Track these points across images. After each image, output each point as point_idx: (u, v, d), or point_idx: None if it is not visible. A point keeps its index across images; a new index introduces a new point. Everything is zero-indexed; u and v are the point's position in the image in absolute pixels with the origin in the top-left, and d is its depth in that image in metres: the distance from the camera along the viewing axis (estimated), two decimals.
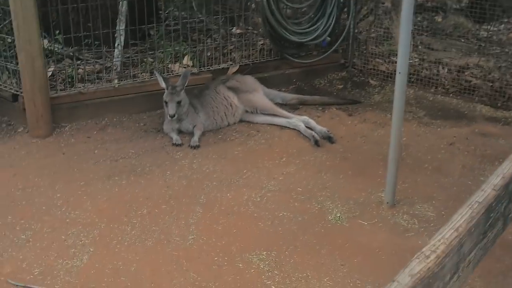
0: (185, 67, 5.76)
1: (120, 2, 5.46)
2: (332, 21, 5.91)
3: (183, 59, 5.86)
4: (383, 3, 6.71)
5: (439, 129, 5.14)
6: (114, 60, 5.43)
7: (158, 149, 4.78)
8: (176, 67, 5.73)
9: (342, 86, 6.31)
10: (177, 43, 5.87)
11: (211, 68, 5.82)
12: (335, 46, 6.16)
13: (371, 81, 6.34)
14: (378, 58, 6.44)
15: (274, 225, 3.65)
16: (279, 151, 4.75)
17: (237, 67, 5.94)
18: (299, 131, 5.07)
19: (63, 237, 3.50)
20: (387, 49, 6.47)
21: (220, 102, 5.32)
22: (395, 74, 6.13)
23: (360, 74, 6.51)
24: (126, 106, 5.43)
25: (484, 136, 5.00)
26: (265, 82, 5.96)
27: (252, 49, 6.18)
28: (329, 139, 4.90)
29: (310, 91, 6.15)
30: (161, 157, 4.63)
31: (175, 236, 3.51)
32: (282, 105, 5.71)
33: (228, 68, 5.94)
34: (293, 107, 5.66)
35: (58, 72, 5.40)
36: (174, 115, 4.84)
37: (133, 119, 5.42)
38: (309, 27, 5.89)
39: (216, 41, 6.19)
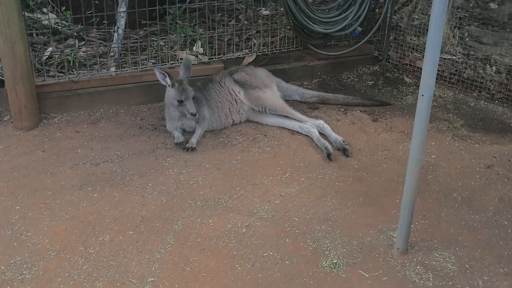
0: (195, 55, 5.13)
1: None
2: (365, 9, 5.12)
3: (194, 45, 5.22)
4: None
5: (477, 145, 4.35)
6: (112, 45, 4.85)
7: (147, 153, 4.22)
8: (184, 55, 5.10)
9: (372, 82, 5.54)
10: (190, 26, 5.22)
11: (223, 58, 5.15)
12: (367, 37, 5.37)
13: (406, 79, 5.55)
14: (416, 51, 5.60)
15: (254, 269, 3.04)
16: (283, 163, 4.10)
17: (254, 56, 5.27)
18: (312, 138, 4.38)
19: (2, 267, 2.99)
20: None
21: (224, 96, 4.70)
22: None
23: (395, 70, 5.71)
24: (125, 96, 4.89)
25: None
26: (284, 74, 5.30)
27: (273, 37, 5.47)
28: (344, 151, 4.22)
29: (335, 87, 5.43)
30: (148, 164, 4.07)
31: (132, 277, 2.95)
32: (301, 103, 5.03)
33: (243, 58, 5.26)
34: (312, 106, 4.96)
35: (58, 55, 4.86)
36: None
37: (131, 112, 4.87)
38: (337, 16, 5.12)
39: (239, 23, 5.51)
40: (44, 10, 5.91)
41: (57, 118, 4.71)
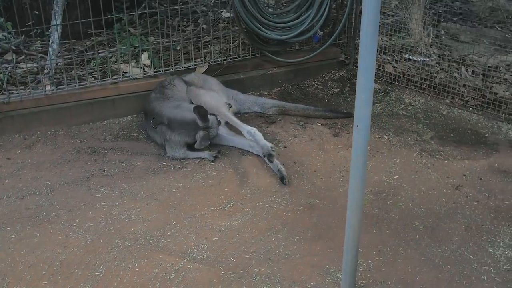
0: (144, 68, 4.71)
1: None
2: (324, 11, 4.67)
3: (141, 57, 4.79)
4: None
5: (446, 161, 3.93)
6: (47, 62, 4.42)
7: (81, 182, 3.81)
8: (129, 68, 4.67)
9: (338, 90, 5.12)
10: (136, 35, 4.79)
11: (171, 69, 4.73)
12: (330, 41, 4.93)
13: (375, 85, 5.10)
14: (385, 54, 5.17)
15: None
16: (228, 190, 3.69)
17: (206, 67, 4.83)
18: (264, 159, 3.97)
19: None
20: (399, 44, 5.18)
21: (179, 96, 4.31)
22: (403, 76, 4.97)
23: None
24: (63, 116, 4.48)
25: (505, 175, 3.78)
26: (241, 84, 4.89)
27: (233, 42, 5.05)
28: (269, 157, 3.85)
29: (297, 96, 5.01)
30: (79, 195, 3.66)
31: None
32: (258, 116, 4.62)
33: (194, 69, 4.84)
34: (269, 120, 4.54)
35: None
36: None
37: (70, 133, 4.46)
38: (293, 20, 4.67)
39: (196, 28, 5.10)
40: None
41: None
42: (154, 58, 4.75)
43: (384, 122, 4.50)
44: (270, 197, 3.61)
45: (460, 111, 4.63)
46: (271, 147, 3.83)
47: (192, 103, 4.25)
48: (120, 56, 4.73)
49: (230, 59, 4.89)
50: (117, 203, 3.58)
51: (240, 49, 4.95)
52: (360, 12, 5.11)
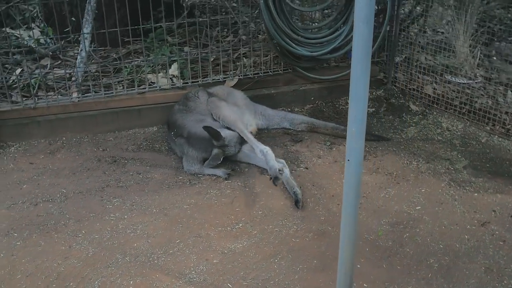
0: (171, 78, 4.67)
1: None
2: None
3: (171, 67, 4.76)
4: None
5: (476, 194, 3.65)
6: (75, 69, 4.45)
7: (95, 192, 3.79)
8: (156, 78, 4.64)
9: (373, 109, 4.89)
10: (166, 46, 4.76)
11: (199, 82, 4.66)
12: None
13: (412, 106, 4.86)
14: (427, 74, 4.90)
15: None
16: (240, 211, 3.56)
17: (236, 80, 4.73)
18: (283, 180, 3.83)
19: None
20: (441, 64, 4.90)
21: (202, 109, 4.24)
22: (443, 99, 4.69)
23: (401, 95, 5.03)
24: (89, 124, 4.51)
25: None
26: (271, 99, 4.77)
27: (266, 56, 4.93)
28: (275, 180, 3.69)
29: (329, 115, 4.83)
30: (90, 205, 3.64)
31: None
32: (285, 134, 4.48)
33: (223, 82, 4.75)
34: (295, 139, 4.39)
35: (23, 78, 4.53)
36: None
37: (95, 141, 4.48)
38: (326, 36, 4.50)
39: (234, 39, 5.03)
40: (33, 25, 5.65)
41: (15, 147, 4.38)
42: (184, 69, 4.69)
43: (416, 147, 4.24)
44: (281, 220, 3.46)
45: (500, 139, 4.31)
46: (279, 170, 3.67)
47: (213, 116, 4.17)
48: (149, 66, 4.71)
49: (261, 73, 4.76)
50: (125, 216, 3.53)
51: (272, 63, 4.82)
52: (401, 30, 4.91)
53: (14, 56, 4.91)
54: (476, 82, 4.84)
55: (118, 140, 4.50)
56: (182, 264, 3.09)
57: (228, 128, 4.03)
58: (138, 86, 4.56)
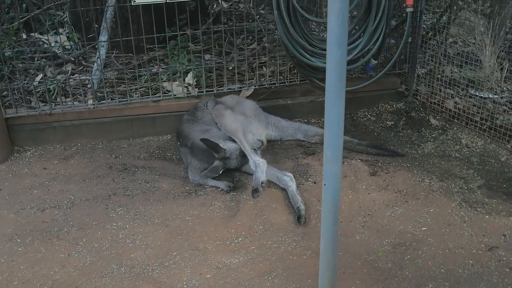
0: (186, 87, 4.68)
1: (106, 7, 4.48)
2: (378, 39, 4.36)
3: (187, 76, 4.77)
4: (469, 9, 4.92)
5: (487, 216, 3.49)
6: (91, 76, 4.51)
7: (101, 199, 3.83)
8: (171, 87, 4.66)
9: (392, 123, 4.77)
10: (184, 55, 4.77)
11: (214, 91, 4.65)
12: (383, 72, 4.60)
13: (432, 120, 4.71)
14: (449, 88, 4.74)
15: None
16: (241, 224, 3.52)
17: (251, 90, 4.70)
18: (287, 192, 3.77)
19: None
20: (465, 77, 4.73)
21: (209, 120, 4.24)
22: (464, 114, 4.52)
23: (421, 109, 4.88)
24: (104, 131, 4.56)
25: None
26: (288, 111, 4.71)
27: (281, 66, 4.88)
28: (254, 192, 3.74)
29: (345, 127, 4.72)
30: (95, 213, 3.68)
31: None
32: (298, 146, 4.42)
33: (238, 92, 4.72)
34: (307, 151, 4.32)
35: (43, 83, 4.62)
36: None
37: (109, 148, 4.53)
38: None
39: (256, 48, 5.00)
40: (61, 31, 5.77)
41: (30, 151, 4.48)
42: (200, 78, 4.68)
43: (432, 163, 4.10)
44: (281, 236, 3.40)
45: None
46: (262, 183, 3.66)
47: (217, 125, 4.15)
48: (166, 74, 4.73)
49: (277, 83, 4.71)
50: (127, 226, 3.54)
51: (289, 73, 4.76)
52: (424, 41, 4.76)
53: (38, 62, 5.01)
54: (501, 97, 4.65)
55: (132, 148, 4.54)
56: (176, 278, 3.07)
57: (233, 140, 4.00)
58: (154, 94, 4.58)
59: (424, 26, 4.81)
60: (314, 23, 5.07)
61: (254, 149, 4.09)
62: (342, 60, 1.85)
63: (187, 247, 3.33)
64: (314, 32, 5.04)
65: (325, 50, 4.19)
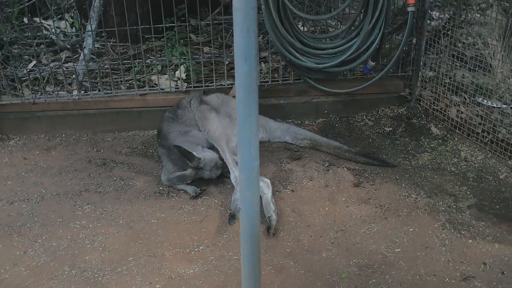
0: (176, 81, 4.52)
1: None
2: (375, 39, 4.09)
3: (178, 70, 4.61)
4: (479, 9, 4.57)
5: (471, 240, 3.22)
6: (77, 66, 4.40)
7: (71, 195, 3.75)
8: (162, 81, 4.51)
9: (390, 129, 4.50)
10: (175, 48, 4.61)
11: (203, 87, 4.47)
12: (380, 74, 4.33)
13: (433, 129, 4.41)
14: (455, 94, 4.41)
15: None
16: (206, 231, 3.36)
17: None
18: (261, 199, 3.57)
19: None
20: (473, 83, 4.39)
21: (189, 119, 4.06)
22: (466, 124, 4.20)
23: (423, 115, 4.58)
24: (89, 123, 4.47)
25: None
26: (281, 111, 4.51)
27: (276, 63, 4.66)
28: (232, 218, 3.41)
29: (339, 131, 4.50)
30: (61, 210, 3.59)
31: None
32: (286, 149, 4.21)
33: (229, 88, 4.53)
34: (294, 156, 4.11)
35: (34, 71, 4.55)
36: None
37: (93, 140, 4.44)
38: (337, 47, 4.15)
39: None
40: (66, 16, 5.69)
41: (14, 140, 4.43)
42: (192, 72, 4.51)
43: (423, 177, 3.83)
44: None
45: None
46: (238, 208, 3.38)
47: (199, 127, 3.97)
48: (156, 67, 4.58)
49: (269, 81, 4.49)
50: (90, 225, 3.43)
51: (282, 71, 4.53)
52: (430, 44, 4.44)
53: (33, 48, 4.94)
54: (510, 107, 4.30)
55: (115, 142, 4.42)
56: (124, 286, 2.94)
57: (212, 147, 3.81)
58: (143, 87, 4.44)
59: (430, 26, 4.49)
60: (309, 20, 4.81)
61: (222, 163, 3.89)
62: (250, 74, 1.65)
63: (144, 252, 3.19)
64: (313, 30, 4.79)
65: (318, 49, 3.97)
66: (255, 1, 1.59)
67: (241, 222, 1.90)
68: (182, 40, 4.76)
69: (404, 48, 4.34)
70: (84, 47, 4.36)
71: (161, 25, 4.28)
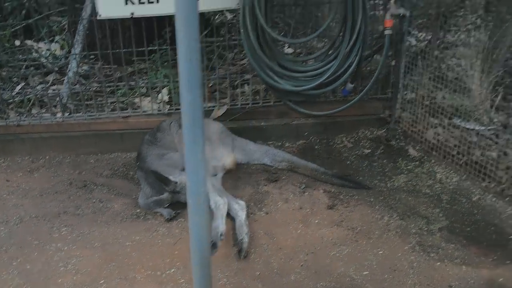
0: (159, 104, 4.60)
1: (80, 19, 4.45)
2: (353, 62, 4.15)
3: (160, 93, 4.68)
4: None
5: (439, 263, 3.25)
6: (62, 89, 4.50)
7: (50, 217, 3.82)
8: (145, 103, 4.59)
9: (369, 151, 4.55)
10: (158, 71, 4.70)
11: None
12: (358, 97, 4.39)
13: (411, 151, 4.46)
14: (433, 116, 4.46)
15: None
16: (178, 254, 3.41)
17: (224, 110, 4.57)
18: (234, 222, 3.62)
19: None
20: (453, 105, 4.43)
21: (168, 143, 4.11)
22: (442, 146, 4.23)
23: (402, 137, 4.63)
24: (72, 145, 4.54)
25: None
26: (261, 133, 4.56)
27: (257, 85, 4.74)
28: (213, 246, 3.32)
29: (318, 153, 4.56)
30: (39, 232, 3.66)
31: None
32: (264, 171, 4.26)
33: (211, 111, 4.61)
34: (271, 178, 4.16)
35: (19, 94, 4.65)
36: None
37: (75, 162, 4.51)
38: (314, 69, 4.22)
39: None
40: (57, 38, 5.79)
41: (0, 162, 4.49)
42: (175, 94, 4.59)
43: (397, 199, 3.87)
44: (214, 270, 3.25)
45: (494, 199, 3.82)
46: (220, 235, 3.37)
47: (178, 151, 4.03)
48: (139, 89, 4.66)
49: (250, 103, 4.56)
50: (65, 248, 3.49)
51: (262, 93, 4.61)
52: (408, 66, 4.49)
53: (22, 70, 5.04)
54: (488, 129, 4.34)
55: (98, 164, 4.49)
56: None
57: None
58: (125, 110, 4.52)
59: (411, 48, 4.55)
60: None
61: (215, 175, 3.97)
62: (194, 105, 1.70)
63: (116, 275, 3.24)
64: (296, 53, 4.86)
65: (296, 72, 4.04)
66: (197, 33, 1.64)
67: (191, 247, 1.94)
68: (166, 63, 4.83)
69: (381, 71, 4.38)
70: (69, 70, 4.45)
71: (144, 48, 4.35)
